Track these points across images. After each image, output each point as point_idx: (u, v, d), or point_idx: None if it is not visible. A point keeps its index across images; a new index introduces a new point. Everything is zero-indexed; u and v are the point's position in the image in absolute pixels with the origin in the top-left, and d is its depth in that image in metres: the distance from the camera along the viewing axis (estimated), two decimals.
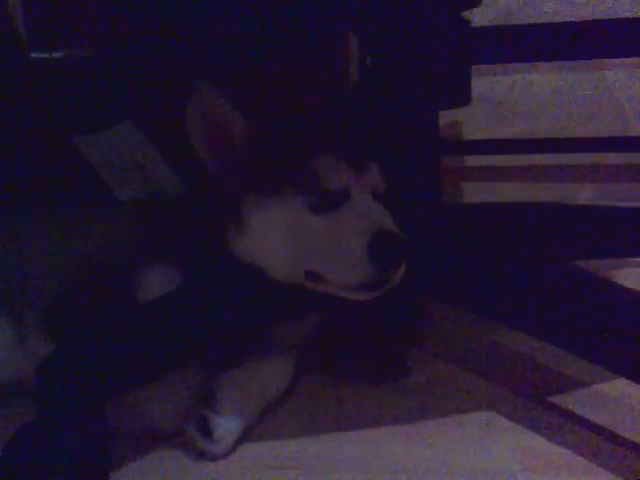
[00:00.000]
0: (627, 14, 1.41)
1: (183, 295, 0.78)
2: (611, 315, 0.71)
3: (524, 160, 1.53)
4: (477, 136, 1.55)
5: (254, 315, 0.80)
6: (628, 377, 0.71)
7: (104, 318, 0.77)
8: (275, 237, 0.77)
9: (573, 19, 1.36)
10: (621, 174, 1.52)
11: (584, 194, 1.52)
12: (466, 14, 1.04)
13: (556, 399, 0.85)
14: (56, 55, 1.08)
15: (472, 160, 1.58)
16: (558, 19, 1.42)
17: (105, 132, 1.07)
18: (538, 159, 1.52)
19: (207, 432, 0.75)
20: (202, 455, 0.75)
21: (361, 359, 0.97)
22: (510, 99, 1.55)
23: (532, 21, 1.43)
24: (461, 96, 0.97)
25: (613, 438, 0.75)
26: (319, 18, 0.93)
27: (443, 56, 0.95)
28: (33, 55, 1.07)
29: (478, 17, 1.15)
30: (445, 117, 1.45)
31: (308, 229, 0.75)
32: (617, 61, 1.47)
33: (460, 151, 1.56)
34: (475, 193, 1.56)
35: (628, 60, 1.47)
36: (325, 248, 0.74)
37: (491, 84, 1.54)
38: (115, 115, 1.07)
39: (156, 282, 0.80)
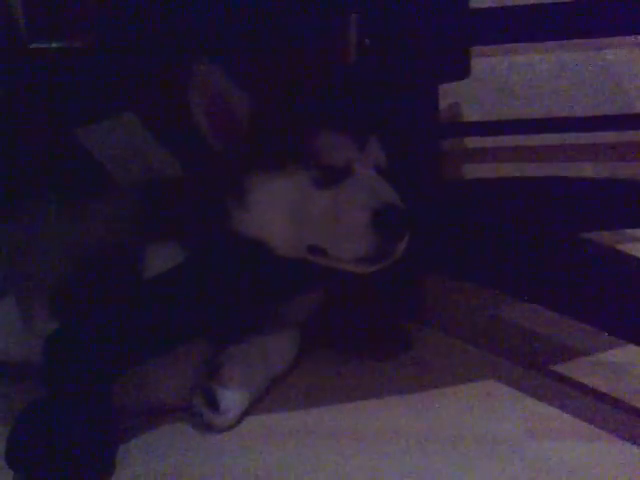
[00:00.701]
0: None
1: (188, 271, 0.79)
2: (616, 280, 0.72)
3: (525, 140, 1.53)
4: (476, 118, 1.55)
5: (258, 290, 0.80)
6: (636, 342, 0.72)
7: (110, 295, 0.78)
8: (278, 212, 0.77)
9: None
10: (622, 152, 1.52)
11: (585, 173, 1.53)
12: None
13: (558, 368, 0.85)
14: (55, 45, 1.08)
15: (472, 141, 1.58)
16: None
17: (106, 122, 1.07)
18: (539, 139, 1.52)
19: (213, 404, 0.76)
20: (208, 427, 0.76)
21: (362, 333, 0.98)
22: (510, 80, 1.55)
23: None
24: (461, 69, 0.97)
25: (617, 404, 0.76)
26: None
27: (442, 35, 0.95)
28: (32, 46, 1.08)
29: None
30: (444, 99, 1.45)
31: (311, 204, 0.76)
32: (617, 40, 1.47)
33: (460, 133, 1.56)
34: (475, 174, 1.56)
35: (628, 39, 1.47)
36: (328, 222, 0.75)
37: (490, 65, 1.54)
38: (115, 104, 1.08)
39: (161, 260, 0.81)
